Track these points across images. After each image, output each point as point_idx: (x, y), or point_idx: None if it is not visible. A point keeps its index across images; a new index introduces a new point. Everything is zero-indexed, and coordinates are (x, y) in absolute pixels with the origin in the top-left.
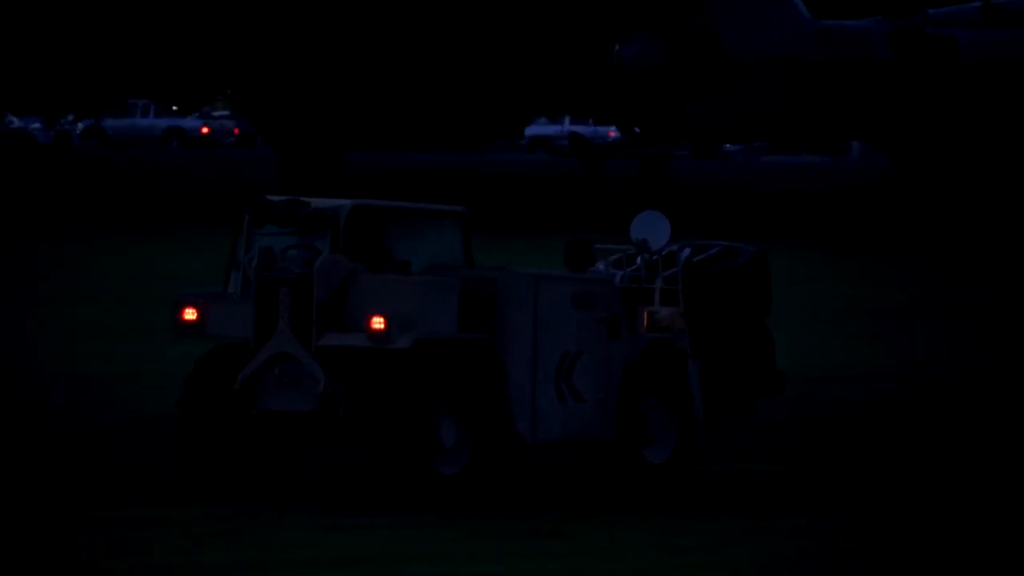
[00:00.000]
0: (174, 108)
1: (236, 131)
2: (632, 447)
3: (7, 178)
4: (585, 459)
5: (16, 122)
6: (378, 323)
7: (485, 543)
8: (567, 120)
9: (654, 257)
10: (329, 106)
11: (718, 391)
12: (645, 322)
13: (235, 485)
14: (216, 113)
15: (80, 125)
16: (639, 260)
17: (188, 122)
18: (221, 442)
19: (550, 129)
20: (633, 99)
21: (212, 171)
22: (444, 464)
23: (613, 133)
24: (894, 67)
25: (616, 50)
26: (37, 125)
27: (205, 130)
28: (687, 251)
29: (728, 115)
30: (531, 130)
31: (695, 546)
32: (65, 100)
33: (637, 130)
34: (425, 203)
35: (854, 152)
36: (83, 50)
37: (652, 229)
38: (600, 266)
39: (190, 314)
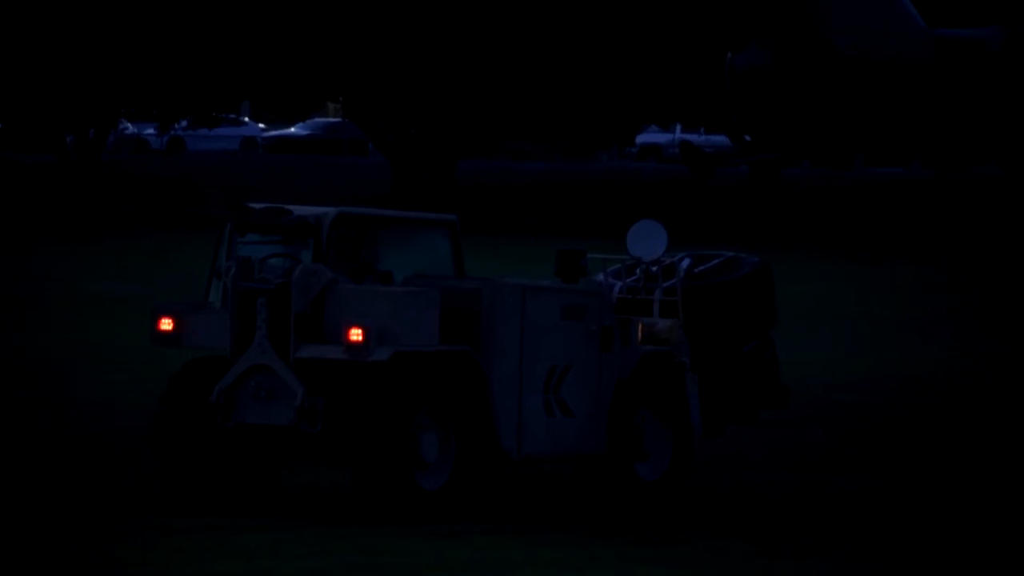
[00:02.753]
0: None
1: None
2: (624, 462)
3: (122, 181)
4: (577, 474)
5: (131, 128)
6: (356, 335)
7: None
8: (678, 128)
9: (652, 268)
10: (441, 113)
11: (718, 404)
12: (641, 334)
13: (215, 499)
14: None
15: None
16: (639, 271)
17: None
18: (199, 456)
19: (661, 137)
20: (745, 107)
21: (323, 178)
22: (426, 478)
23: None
24: (1010, 75)
25: (728, 58)
26: (151, 131)
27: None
28: (687, 261)
29: (839, 123)
30: (642, 138)
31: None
32: (178, 106)
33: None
34: (414, 212)
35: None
36: (197, 57)
37: (648, 239)
38: (600, 277)
39: (166, 324)
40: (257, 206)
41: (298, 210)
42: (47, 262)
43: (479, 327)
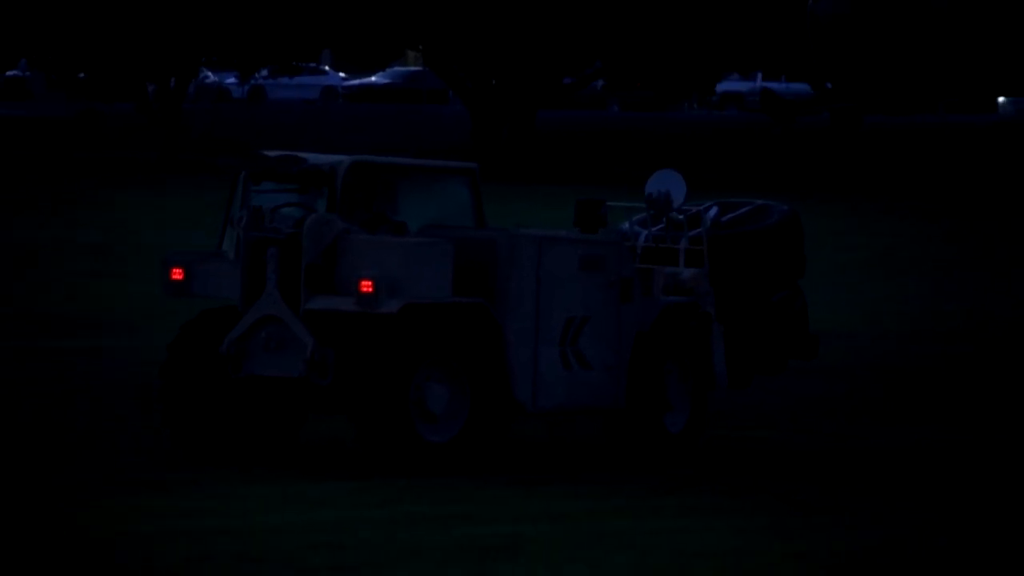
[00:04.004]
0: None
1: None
2: (651, 414)
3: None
4: (606, 427)
5: (212, 77)
6: (366, 286)
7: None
8: (759, 76)
9: (680, 217)
10: (521, 62)
11: (745, 355)
12: (664, 285)
13: (224, 452)
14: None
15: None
16: (665, 219)
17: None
18: (207, 407)
19: (742, 85)
20: (825, 54)
21: (403, 128)
22: (434, 431)
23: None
24: None
25: (809, 5)
26: (232, 80)
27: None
28: (714, 210)
29: (919, 70)
30: (723, 86)
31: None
32: (259, 55)
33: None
34: (434, 160)
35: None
36: (278, 5)
37: (668, 188)
38: (625, 226)
39: (176, 273)
40: (272, 154)
41: (313, 158)
42: (122, 213)
43: (494, 278)
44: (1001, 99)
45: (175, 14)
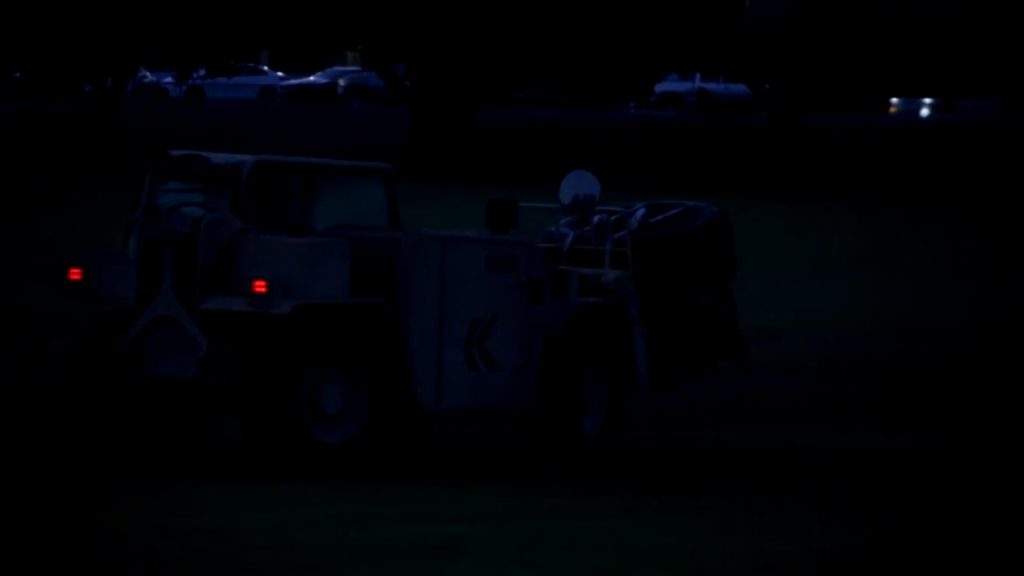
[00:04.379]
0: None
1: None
2: (565, 417)
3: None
4: (522, 429)
5: (149, 76)
6: (259, 286)
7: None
8: (697, 77)
9: (601, 218)
10: (460, 61)
11: (670, 357)
12: (583, 286)
13: (126, 455)
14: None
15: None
16: (594, 220)
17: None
18: (107, 410)
19: (681, 86)
20: (763, 55)
21: (341, 127)
22: (330, 432)
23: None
24: None
25: (747, 5)
26: (170, 80)
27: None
28: (641, 211)
29: (859, 70)
30: (661, 87)
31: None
32: (197, 54)
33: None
34: (347, 160)
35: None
36: (216, 5)
37: (582, 189)
38: (552, 228)
39: (75, 274)
40: (176, 153)
41: (217, 158)
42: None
43: (397, 279)
44: (895, 99)
45: (113, 13)
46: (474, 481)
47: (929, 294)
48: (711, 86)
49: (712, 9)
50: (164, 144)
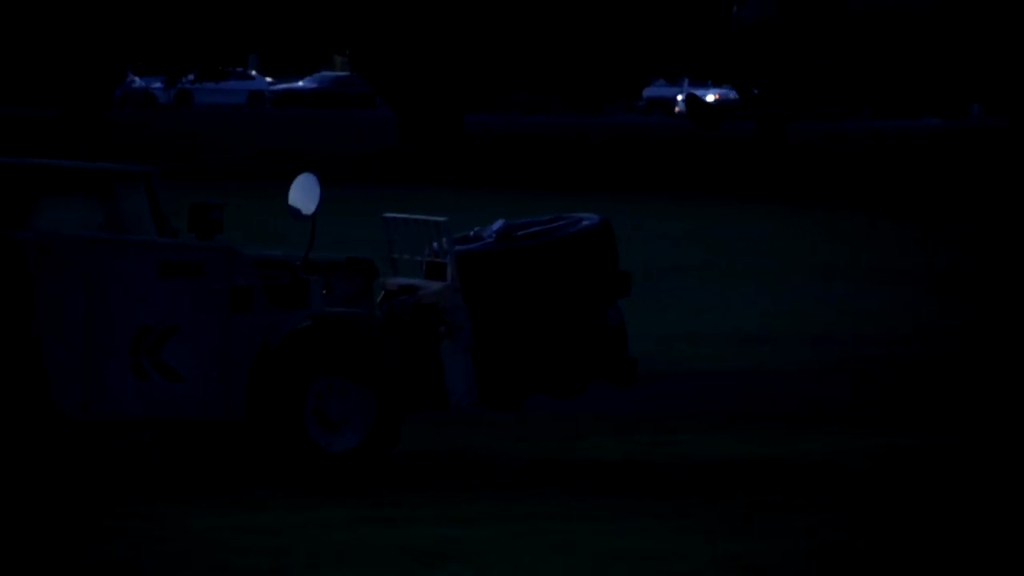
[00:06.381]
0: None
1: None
2: (280, 428)
3: (130, 135)
4: (252, 441)
5: (137, 81)
6: None
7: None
8: (686, 82)
9: (471, 232)
10: (447, 66)
11: (515, 375)
12: (416, 298)
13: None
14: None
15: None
16: (472, 233)
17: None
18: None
19: (668, 91)
20: (751, 60)
21: (330, 132)
22: None
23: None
24: (1016, 25)
25: (734, 10)
26: (158, 85)
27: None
28: (500, 223)
29: (847, 76)
30: (649, 92)
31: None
32: (186, 60)
33: (755, 92)
34: (105, 163)
35: (975, 113)
36: (204, 10)
37: (305, 194)
38: (436, 245)
39: None
40: None
41: None
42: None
43: (31, 283)
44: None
45: (101, 18)
46: (461, 486)
47: (916, 299)
48: (700, 91)
49: (700, 14)
50: (153, 149)
